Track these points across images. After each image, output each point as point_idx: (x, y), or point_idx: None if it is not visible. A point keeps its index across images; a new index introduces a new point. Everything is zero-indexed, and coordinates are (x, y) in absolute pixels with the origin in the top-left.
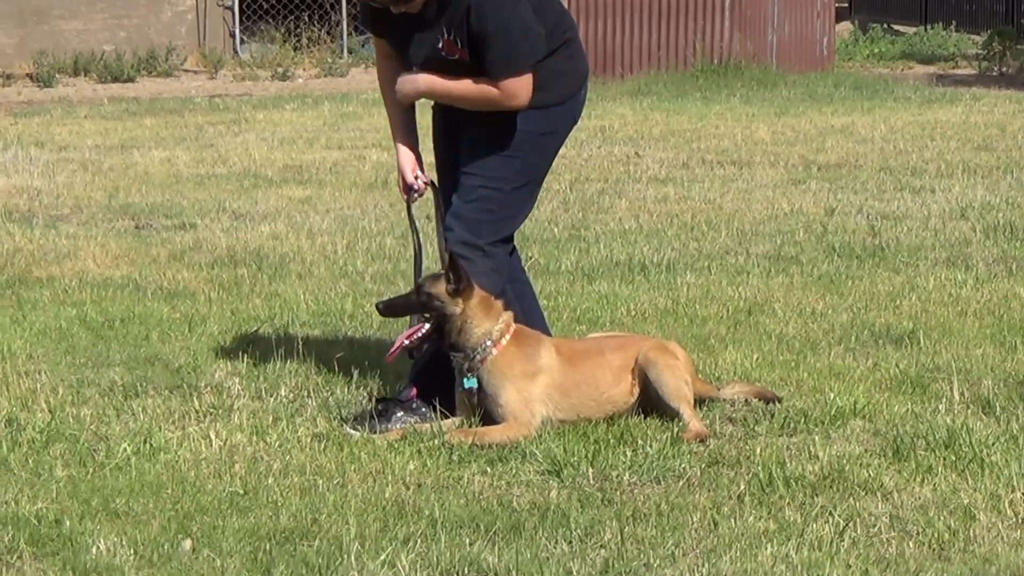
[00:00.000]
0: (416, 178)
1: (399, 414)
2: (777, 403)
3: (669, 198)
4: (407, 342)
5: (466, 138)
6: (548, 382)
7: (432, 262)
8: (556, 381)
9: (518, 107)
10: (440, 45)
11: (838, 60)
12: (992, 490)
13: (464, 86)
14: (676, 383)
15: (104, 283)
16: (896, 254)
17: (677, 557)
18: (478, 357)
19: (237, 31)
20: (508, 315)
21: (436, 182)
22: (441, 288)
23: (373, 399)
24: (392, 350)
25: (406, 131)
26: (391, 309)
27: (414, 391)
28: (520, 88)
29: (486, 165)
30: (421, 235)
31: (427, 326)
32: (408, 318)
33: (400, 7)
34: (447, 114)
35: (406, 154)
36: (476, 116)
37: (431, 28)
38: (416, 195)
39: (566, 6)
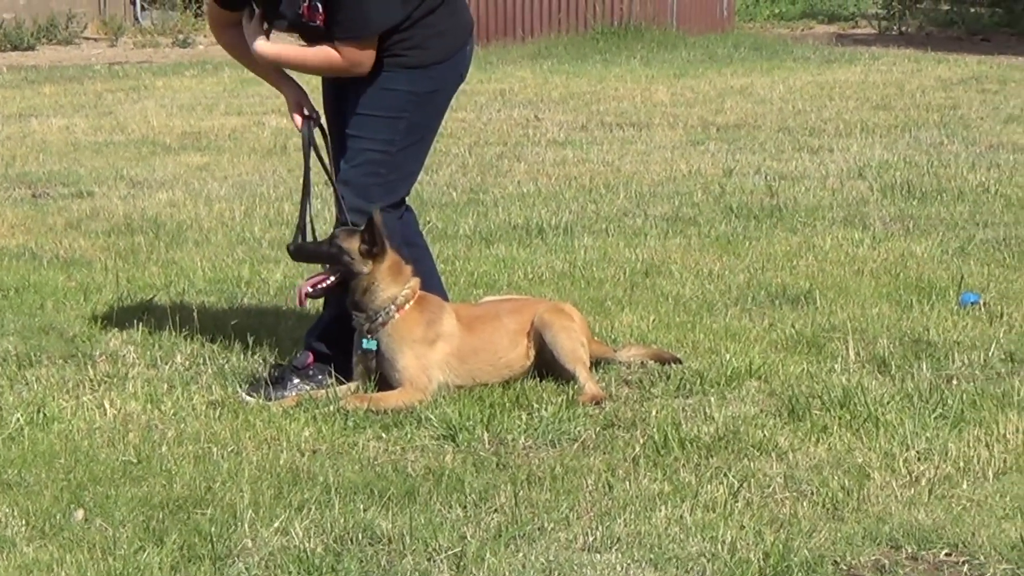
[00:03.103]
0: (307, 116)
1: (295, 381)
2: (677, 364)
3: (568, 161)
4: (310, 289)
5: (351, 100)
6: (447, 349)
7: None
8: (455, 348)
9: (361, 74)
10: (300, 11)
11: (739, 21)
12: (887, 449)
13: (306, 53)
14: (572, 345)
15: None
16: (794, 214)
17: (571, 520)
18: (380, 320)
19: None
20: (415, 281)
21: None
22: (354, 245)
23: (269, 366)
24: (298, 297)
25: (293, 91)
26: (301, 252)
27: (310, 358)
28: (363, 56)
29: (372, 127)
30: (311, 173)
31: (332, 277)
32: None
33: None
34: (333, 84)
35: (290, 98)
36: (360, 79)
37: None
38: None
39: None
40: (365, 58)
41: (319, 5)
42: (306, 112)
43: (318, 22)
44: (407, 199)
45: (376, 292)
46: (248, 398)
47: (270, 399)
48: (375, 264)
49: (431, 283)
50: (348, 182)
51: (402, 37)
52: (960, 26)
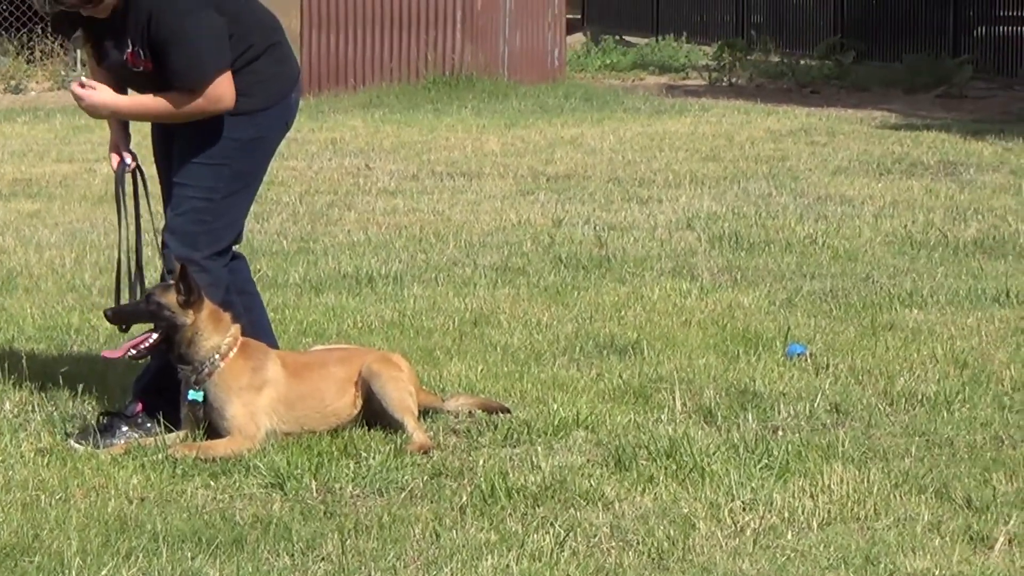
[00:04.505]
0: (121, 161)
1: (123, 428)
2: (505, 414)
3: (398, 210)
4: (133, 351)
5: (176, 146)
6: (274, 395)
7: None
8: (281, 394)
9: (224, 109)
10: (125, 57)
11: (570, 71)
12: (712, 499)
13: (148, 103)
14: (400, 395)
15: None
16: (622, 264)
17: (398, 569)
18: (206, 370)
19: None
20: (236, 328)
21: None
22: (172, 298)
23: (98, 414)
24: (116, 353)
25: (119, 136)
26: (119, 316)
27: (140, 406)
28: (223, 90)
29: (196, 174)
30: (125, 217)
31: (155, 336)
32: None
33: (88, 9)
34: (162, 129)
35: (112, 138)
36: (185, 124)
37: (119, 37)
38: (128, 169)
39: (299, 15)
40: (225, 92)
41: (142, 52)
42: (123, 156)
43: (141, 68)
44: (238, 246)
45: (199, 342)
46: (77, 445)
47: (99, 447)
48: (195, 314)
49: (262, 331)
50: (175, 231)
51: None
52: (790, 78)
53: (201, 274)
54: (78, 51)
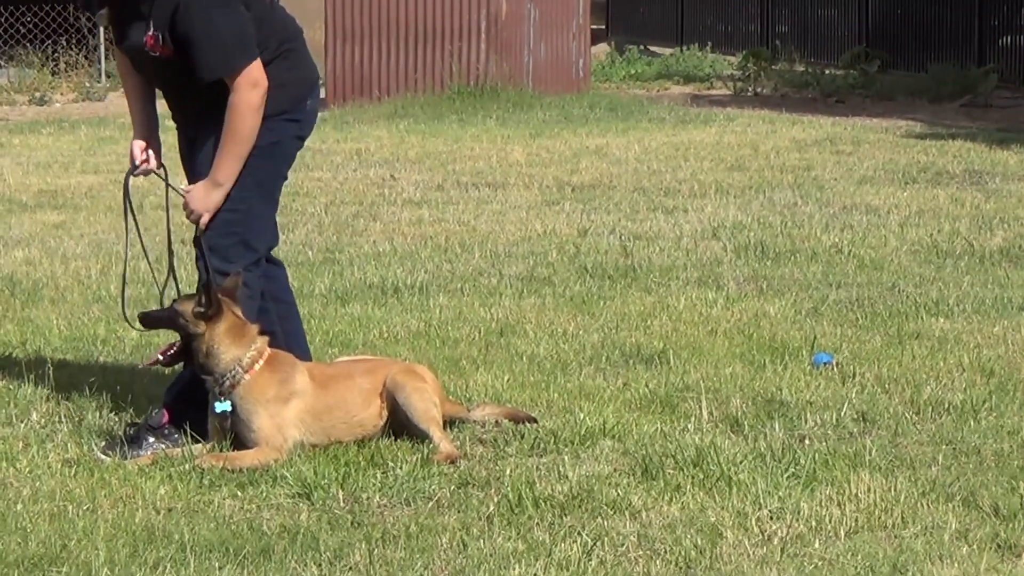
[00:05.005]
0: (146, 160)
1: (150, 440)
2: (531, 424)
3: (424, 220)
4: (160, 357)
5: (198, 159)
6: (301, 407)
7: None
8: (309, 405)
9: (264, 92)
10: (144, 39)
11: (595, 82)
12: (739, 508)
13: (226, 144)
14: (425, 405)
15: None
16: (648, 274)
17: None
18: (227, 382)
19: None
20: (262, 341)
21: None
22: (188, 308)
23: (125, 425)
24: (149, 361)
25: (142, 125)
26: (146, 320)
27: (166, 417)
28: (256, 74)
29: None
30: (133, 219)
31: (179, 343)
32: None
33: None
34: (185, 133)
35: (138, 142)
36: (205, 135)
37: (141, 20)
38: (139, 173)
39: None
40: (259, 75)
41: (162, 38)
42: (145, 156)
43: (158, 53)
44: (275, 254)
45: (217, 354)
46: (104, 456)
47: (126, 458)
48: (209, 327)
49: (297, 340)
50: (212, 247)
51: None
52: (815, 88)
53: (242, 289)
54: (103, 63)
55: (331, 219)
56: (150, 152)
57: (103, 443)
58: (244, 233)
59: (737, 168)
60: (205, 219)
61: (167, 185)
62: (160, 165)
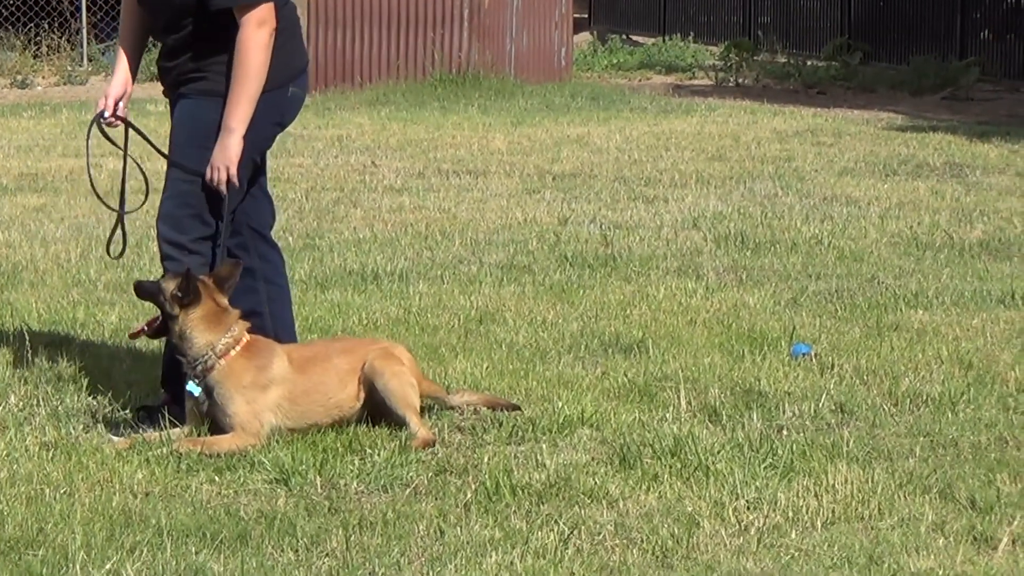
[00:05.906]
0: (115, 109)
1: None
2: (512, 411)
3: (404, 207)
4: (146, 328)
5: (172, 126)
6: (280, 392)
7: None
8: (287, 391)
9: (272, 32)
10: None
11: (577, 71)
12: (716, 498)
13: (236, 87)
14: (403, 391)
15: None
16: (628, 263)
17: (403, 565)
18: (200, 367)
19: None
20: (240, 327)
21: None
22: (170, 288)
23: (137, 408)
24: (134, 330)
25: (122, 67)
26: (138, 290)
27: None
28: (264, 13)
29: (183, 156)
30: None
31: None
32: None
33: None
34: (172, 100)
35: (113, 87)
36: (181, 103)
37: None
38: (104, 122)
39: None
40: (267, 13)
41: None
42: (115, 105)
43: None
44: (272, 237)
45: (190, 338)
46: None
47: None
48: (183, 311)
49: (281, 323)
50: (164, 214)
51: (216, 60)
52: (797, 79)
53: (191, 257)
54: (85, 47)
55: (312, 205)
56: (120, 104)
57: (138, 417)
58: (198, 206)
59: (718, 158)
60: (232, 172)
61: (130, 129)
62: (123, 115)
